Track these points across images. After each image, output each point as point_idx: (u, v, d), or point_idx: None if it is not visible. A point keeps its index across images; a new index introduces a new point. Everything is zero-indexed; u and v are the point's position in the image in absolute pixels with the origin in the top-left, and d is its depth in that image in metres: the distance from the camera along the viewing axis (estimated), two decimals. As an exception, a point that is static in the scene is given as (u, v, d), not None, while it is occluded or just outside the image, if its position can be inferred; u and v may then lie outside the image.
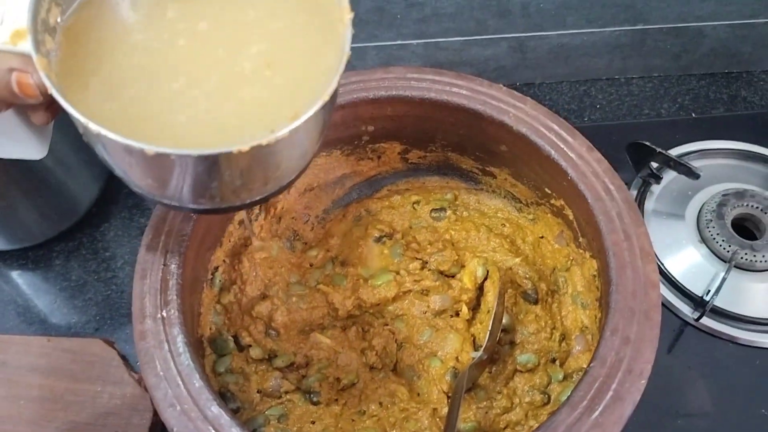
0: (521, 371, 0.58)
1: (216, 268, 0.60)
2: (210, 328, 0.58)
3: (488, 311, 0.61)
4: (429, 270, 0.63)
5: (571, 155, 0.55)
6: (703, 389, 0.68)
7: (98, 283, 0.79)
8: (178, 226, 0.52)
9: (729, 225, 0.76)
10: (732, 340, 0.71)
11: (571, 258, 0.61)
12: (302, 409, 0.56)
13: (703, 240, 0.76)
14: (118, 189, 0.86)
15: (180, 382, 0.46)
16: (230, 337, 0.58)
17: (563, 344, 0.58)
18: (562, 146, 0.56)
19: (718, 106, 0.96)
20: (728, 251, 0.74)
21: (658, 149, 0.77)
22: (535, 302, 0.61)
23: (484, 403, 0.55)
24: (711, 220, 0.76)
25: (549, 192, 0.60)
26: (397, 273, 0.62)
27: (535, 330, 0.59)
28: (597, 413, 0.45)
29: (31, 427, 0.64)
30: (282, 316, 0.59)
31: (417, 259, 0.64)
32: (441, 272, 0.63)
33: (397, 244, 0.64)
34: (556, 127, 0.56)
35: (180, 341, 0.48)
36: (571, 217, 0.59)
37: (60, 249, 0.82)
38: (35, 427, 0.64)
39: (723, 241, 0.74)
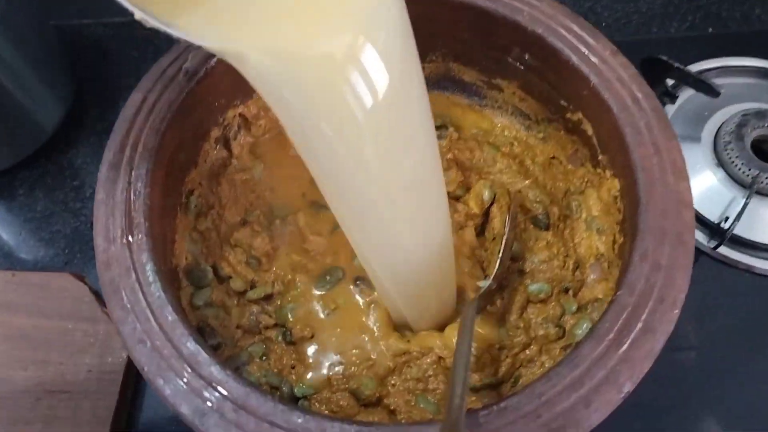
0: (533, 302, 0.53)
1: (191, 192, 0.53)
2: (186, 258, 0.52)
3: (494, 238, 0.56)
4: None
5: (594, 60, 0.49)
6: (719, 321, 0.64)
7: (66, 214, 0.73)
8: (145, 140, 0.46)
9: (749, 147, 0.70)
10: (749, 270, 0.67)
11: (587, 180, 0.55)
12: (281, 348, 0.51)
13: (721, 164, 0.71)
14: (86, 112, 0.78)
15: (150, 315, 0.41)
16: (209, 268, 0.52)
17: (577, 273, 0.53)
18: (584, 49, 0.49)
19: (731, 24, 0.90)
20: (748, 175, 0.68)
21: (676, 64, 0.71)
22: (547, 228, 0.56)
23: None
24: (729, 142, 0.70)
25: (565, 105, 0.54)
26: None
27: (546, 258, 0.54)
28: (625, 346, 0.39)
29: (-2, 367, 0.58)
30: (263, 243, 0.53)
31: None
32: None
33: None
34: (576, 28, 0.50)
35: (150, 269, 0.42)
36: (589, 133, 0.52)
37: (23, 177, 0.75)
38: (2, 368, 0.59)
39: (742, 164, 0.69)
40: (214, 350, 0.47)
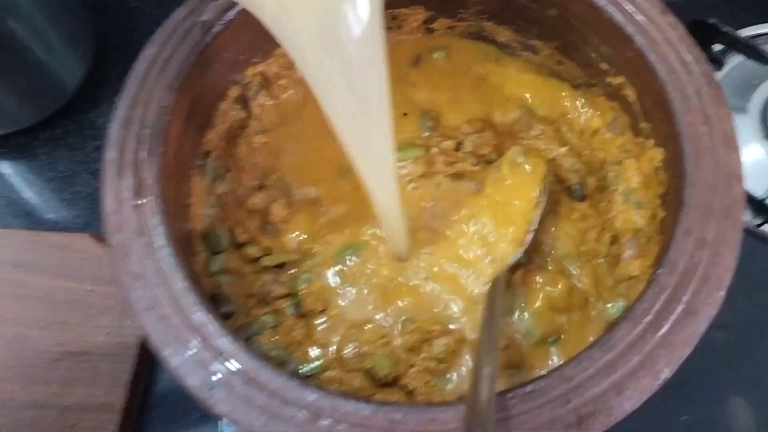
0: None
1: (208, 153, 0.51)
2: (202, 222, 0.50)
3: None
4: (464, 152, 0.54)
5: (639, 18, 0.45)
6: (755, 300, 0.60)
7: (87, 175, 0.71)
8: (159, 96, 0.43)
9: (800, 119, 0.65)
10: (794, 251, 0.63)
11: (626, 149, 0.52)
12: (291, 320, 0.48)
13: (769, 136, 0.67)
14: (108, 70, 0.76)
15: (159, 282, 0.39)
16: (226, 232, 0.50)
17: (613, 248, 0.50)
18: (629, 7, 0.45)
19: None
20: (798, 149, 0.64)
21: (726, 28, 0.66)
22: (582, 199, 0.52)
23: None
24: (779, 114, 0.66)
25: (605, 68, 0.50)
26: (427, 150, 0.53)
27: (580, 230, 0.50)
28: (664, 330, 0.37)
29: (18, 327, 0.58)
30: (281, 209, 0.51)
31: (449, 138, 0.54)
32: (479, 156, 0.54)
33: (425, 116, 0.55)
34: (621, -16, 0.46)
35: (161, 233, 0.40)
36: (631, 99, 0.49)
37: (45, 137, 0.73)
38: (22, 328, 0.59)
39: (793, 138, 0.64)
40: (226, 318, 0.46)
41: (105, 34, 0.77)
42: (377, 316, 0.48)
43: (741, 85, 0.70)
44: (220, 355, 0.37)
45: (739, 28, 0.73)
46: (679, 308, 0.37)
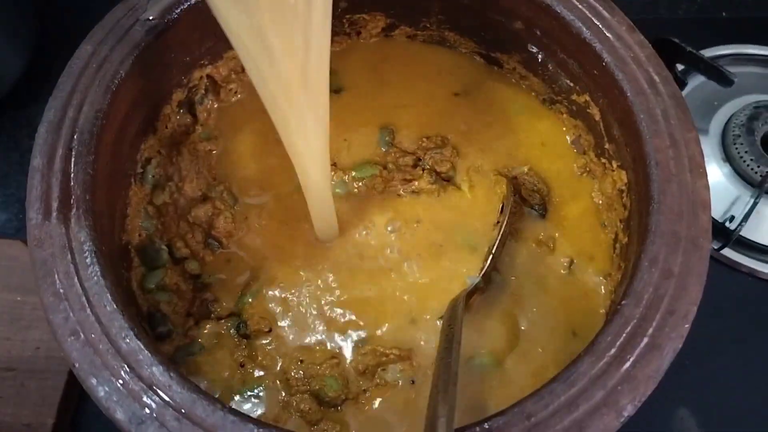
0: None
1: (148, 160, 0.48)
2: (139, 235, 0.46)
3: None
4: (423, 169, 0.51)
5: (608, 35, 0.43)
6: (716, 325, 0.59)
7: (22, 177, 0.65)
8: (92, 98, 0.40)
9: (759, 143, 0.65)
10: (752, 274, 0.62)
11: (588, 169, 0.50)
12: (233, 341, 0.45)
13: (728, 158, 0.66)
14: (50, 64, 0.71)
15: (85, 304, 0.35)
16: (164, 247, 0.47)
17: (572, 270, 0.48)
18: (597, 22, 0.43)
19: (744, 9, 0.84)
20: (757, 173, 0.63)
21: (689, 48, 0.65)
22: (542, 217, 0.50)
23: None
24: (739, 136, 0.65)
25: (571, 85, 0.49)
26: (384, 167, 0.51)
27: (537, 252, 0.49)
28: (628, 364, 0.35)
29: (-62, 340, 0.53)
30: (226, 223, 0.47)
31: (408, 153, 0.52)
32: (437, 173, 0.51)
33: (384, 131, 0.52)
34: (590, -1, 0.44)
35: (88, 249, 0.36)
36: (596, 118, 0.47)
37: (-22, 134, 0.68)
38: (-58, 341, 0.54)
39: (751, 160, 0.64)
40: (162, 339, 0.43)
41: (47, 25, 0.72)
42: (325, 336, 0.45)
43: (702, 105, 0.70)
44: (151, 387, 0.33)
45: (700, 49, 0.73)
46: (644, 342, 0.35)
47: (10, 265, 0.57)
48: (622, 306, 0.36)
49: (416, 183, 0.50)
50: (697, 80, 0.70)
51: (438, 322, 0.45)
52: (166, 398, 0.33)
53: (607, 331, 0.36)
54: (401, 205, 0.50)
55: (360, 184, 0.50)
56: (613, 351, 0.35)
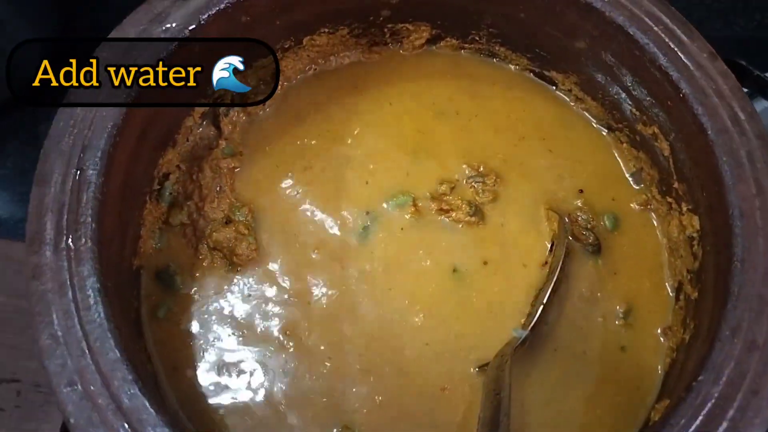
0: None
1: (166, 176, 0.44)
2: (152, 258, 0.42)
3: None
4: (461, 199, 0.46)
5: (687, 63, 0.38)
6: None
7: (37, 175, 0.63)
8: (106, 110, 0.36)
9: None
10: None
11: (649, 207, 0.45)
12: None
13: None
14: (71, 58, 0.68)
15: (86, 349, 0.31)
16: (178, 271, 0.43)
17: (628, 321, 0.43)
18: (675, 48, 0.38)
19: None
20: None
21: (756, 72, 0.60)
22: (595, 259, 0.45)
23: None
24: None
25: (636, 115, 0.44)
26: (416, 198, 0.46)
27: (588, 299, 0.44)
28: (704, 453, 0.30)
29: None
30: (248, 249, 0.43)
31: (445, 181, 0.47)
32: (476, 205, 0.46)
33: (419, 149, 0.47)
34: (667, 21, 0.39)
35: (91, 287, 0.32)
36: (665, 153, 0.42)
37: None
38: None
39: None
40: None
41: (70, 17, 0.68)
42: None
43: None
44: (155, 452, 0.29)
45: (764, 71, 0.67)
46: (723, 427, 0.30)
47: (21, 269, 0.54)
48: (699, 382, 0.31)
49: (453, 213, 0.45)
50: (760, 106, 0.65)
51: (472, 370, 0.41)
52: (172, 467, 0.29)
53: (680, 412, 0.31)
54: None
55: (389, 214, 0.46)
56: (686, 436, 0.30)
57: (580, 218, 0.45)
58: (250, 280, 0.43)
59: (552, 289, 0.42)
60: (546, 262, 0.44)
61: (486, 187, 0.46)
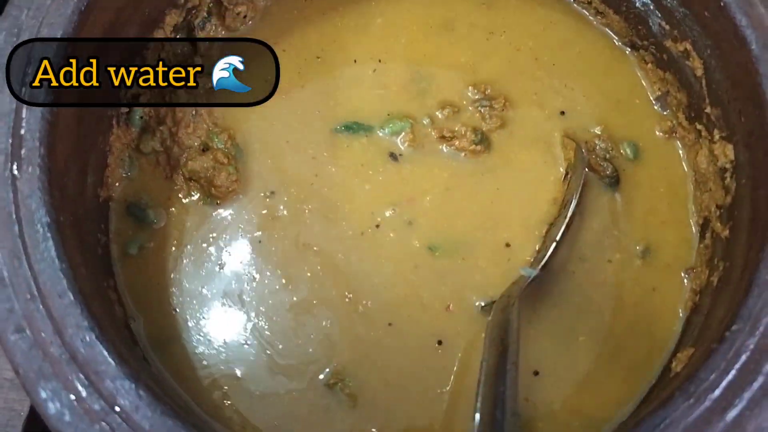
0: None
1: (135, 97, 0.39)
2: (122, 189, 0.38)
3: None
4: (465, 126, 0.41)
5: (730, -35, 0.33)
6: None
7: None
8: (54, 18, 0.31)
9: None
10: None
11: (675, 134, 0.41)
12: None
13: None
14: None
15: (35, 292, 0.27)
16: (151, 204, 0.39)
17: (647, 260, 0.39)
18: (716, -53, 0.33)
19: None
20: None
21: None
22: (614, 191, 0.41)
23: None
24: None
25: (666, 29, 0.39)
26: (415, 121, 0.41)
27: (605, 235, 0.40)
28: (735, 411, 0.27)
29: None
30: (228, 180, 0.39)
31: (448, 105, 0.42)
32: (482, 132, 0.42)
33: (421, 67, 0.42)
34: None
35: (40, 221, 0.28)
36: (698, 73, 0.37)
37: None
38: None
39: None
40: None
41: None
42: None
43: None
44: (114, 407, 0.26)
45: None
46: (758, 383, 0.27)
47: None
48: (732, 332, 0.28)
49: (457, 142, 0.40)
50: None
51: (477, 305, 0.37)
52: (133, 423, 0.26)
53: (710, 366, 0.27)
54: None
55: (385, 139, 0.41)
56: (716, 393, 0.27)
57: (597, 147, 0.41)
58: (231, 213, 0.39)
59: (565, 225, 0.38)
60: (565, 200, 0.39)
61: (494, 112, 0.41)
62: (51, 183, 0.29)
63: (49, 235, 0.28)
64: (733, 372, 0.27)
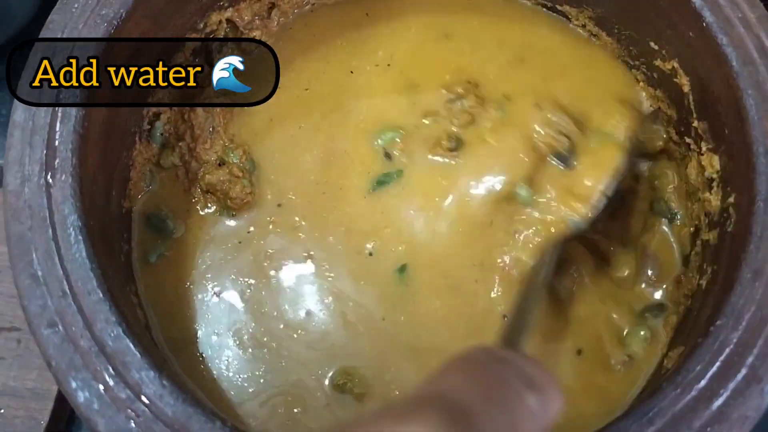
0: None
1: (156, 116, 0.42)
2: (143, 200, 0.41)
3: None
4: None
5: (711, -11, 0.35)
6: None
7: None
8: (84, 42, 0.33)
9: None
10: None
11: (665, 149, 0.43)
12: None
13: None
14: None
15: (67, 290, 0.29)
16: (170, 215, 0.41)
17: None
18: (697, -28, 0.36)
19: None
20: None
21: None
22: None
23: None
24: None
25: (654, 48, 0.41)
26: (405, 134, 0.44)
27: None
28: (721, 400, 0.28)
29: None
30: (243, 192, 0.41)
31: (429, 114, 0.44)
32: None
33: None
34: (688, -59, 0.36)
35: (72, 224, 0.30)
36: (684, 90, 0.40)
37: (-16, 74, 0.62)
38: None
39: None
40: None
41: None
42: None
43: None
44: (139, 396, 0.28)
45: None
46: (741, 374, 0.29)
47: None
48: (716, 327, 0.30)
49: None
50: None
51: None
52: (157, 410, 0.28)
53: (696, 358, 0.29)
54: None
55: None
56: (702, 383, 0.29)
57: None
58: (245, 223, 0.42)
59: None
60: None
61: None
62: (82, 191, 0.31)
63: (80, 237, 0.30)
64: (717, 364, 0.29)
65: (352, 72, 0.46)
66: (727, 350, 0.29)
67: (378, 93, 0.45)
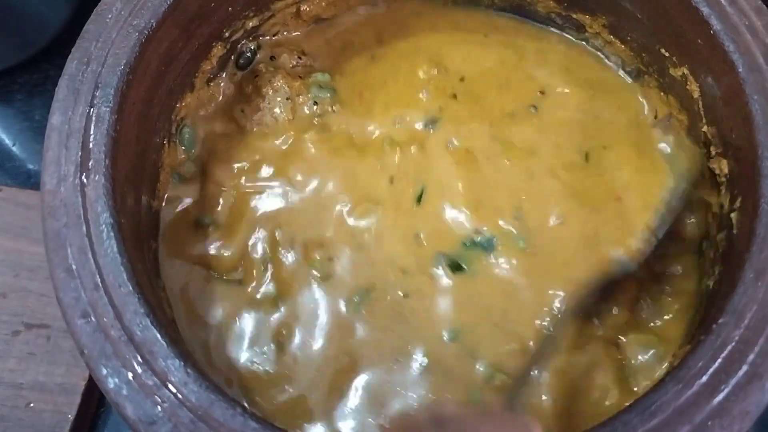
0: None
1: (183, 120, 0.43)
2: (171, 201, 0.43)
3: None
4: None
5: (718, -2, 0.36)
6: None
7: (66, 127, 0.63)
8: (119, 50, 0.35)
9: None
10: None
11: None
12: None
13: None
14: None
15: (99, 283, 0.31)
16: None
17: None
18: (706, -18, 0.37)
19: None
20: None
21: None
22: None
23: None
24: None
25: (666, 54, 0.42)
26: None
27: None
28: (722, 395, 0.29)
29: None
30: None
31: None
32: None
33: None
34: (697, -48, 0.37)
35: (105, 222, 0.32)
36: (694, 96, 0.40)
37: (22, 81, 0.65)
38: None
39: None
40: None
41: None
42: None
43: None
44: (165, 383, 0.30)
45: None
46: (742, 370, 0.30)
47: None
48: (719, 325, 0.30)
49: None
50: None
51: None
52: (181, 397, 0.29)
53: (698, 355, 0.30)
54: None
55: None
56: (704, 379, 0.30)
57: None
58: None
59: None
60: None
61: None
62: (114, 190, 0.33)
63: (112, 234, 0.32)
64: (719, 360, 0.30)
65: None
66: (729, 347, 0.30)
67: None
